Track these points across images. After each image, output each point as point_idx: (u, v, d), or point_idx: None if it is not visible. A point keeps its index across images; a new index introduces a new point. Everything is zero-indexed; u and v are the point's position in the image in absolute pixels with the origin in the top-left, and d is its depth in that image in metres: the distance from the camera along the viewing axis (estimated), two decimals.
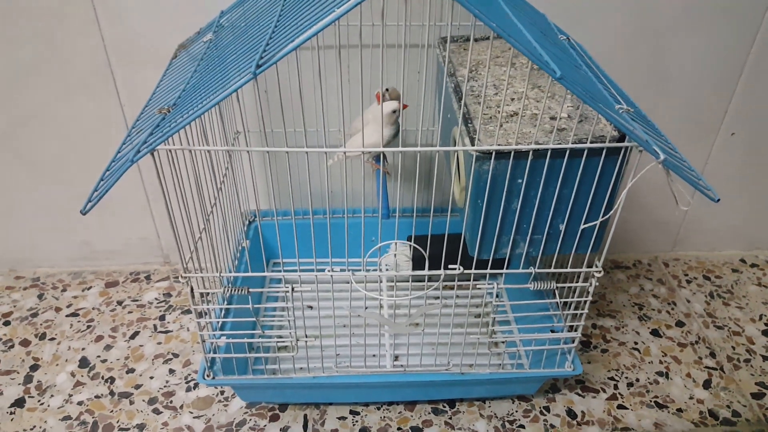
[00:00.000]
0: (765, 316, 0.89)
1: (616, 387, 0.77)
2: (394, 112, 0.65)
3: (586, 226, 0.54)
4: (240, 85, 0.44)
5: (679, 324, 0.87)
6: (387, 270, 0.83)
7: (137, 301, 0.92)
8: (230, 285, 0.60)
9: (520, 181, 0.53)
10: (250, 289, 0.60)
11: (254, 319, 0.61)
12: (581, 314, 0.62)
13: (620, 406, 0.75)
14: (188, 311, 0.90)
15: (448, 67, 0.67)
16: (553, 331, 0.67)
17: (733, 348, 0.83)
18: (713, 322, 0.88)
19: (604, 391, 0.77)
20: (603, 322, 0.87)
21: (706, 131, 0.89)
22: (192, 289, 0.59)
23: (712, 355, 0.82)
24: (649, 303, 0.91)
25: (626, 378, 0.79)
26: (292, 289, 0.59)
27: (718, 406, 0.75)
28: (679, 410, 0.75)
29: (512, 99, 0.60)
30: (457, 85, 0.62)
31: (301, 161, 0.76)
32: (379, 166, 0.68)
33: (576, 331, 0.64)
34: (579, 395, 0.76)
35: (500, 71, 0.66)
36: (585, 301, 0.61)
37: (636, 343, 0.84)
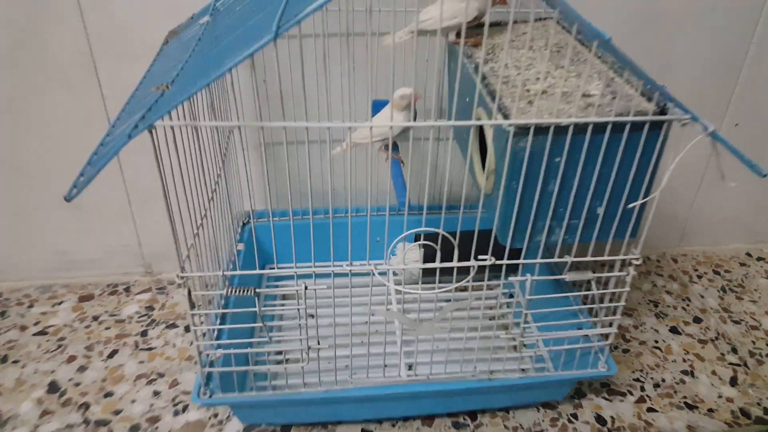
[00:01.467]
0: None
1: (642, 389, 0.73)
2: (402, 98, 0.60)
3: (633, 205, 0.50)
4: (259, 47, 0.38)
5: (697, 320, 0.84)
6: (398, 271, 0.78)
7: (115, 315, 0.83)
8: (232, 286, 0.53)
9: (558, 159, 0.48)
10: (257, 290, 0.53)
11: (261, 324, 0.54)
12: (617, 307, 0.58)
13: (650, 409, 0.70)
14: (173, 325, 0.82)
15: (464, 49, 0.63)
16: (580, 329, 0.62)
17: (754, 343, 0.81)
18: (730, 317, 0.85)
19: (631, 393, 0.72)
20: (620, 320, 0.83)
21: (709, 121, 0.88)
22: (189, 292, 0.52)
23: (734, 350, 0.79)
24: (664, 300, 0.88)
25: (652, 379, 0.75)
26: (305, 287, 0.53)
27: (749, 404, 0.72)
28: (710, 410, 0.71)
29: (537, 78, 0.56)
30: (477, 66, 0.58)
31: (302, 157, 0.70)
32: (393, 155, 0.63)
33: (611, 326, 0.59)
34: (606, 399, 0.72)
35: (518, 54, 0.62)
36: (622, 293, 0.57)
37: (656, 342, 0.80)
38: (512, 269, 0.69)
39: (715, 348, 0.80)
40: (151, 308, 0.85)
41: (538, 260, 0.54)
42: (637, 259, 0.54)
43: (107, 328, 0.81)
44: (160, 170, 0.45)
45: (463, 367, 0.61)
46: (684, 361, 0.77)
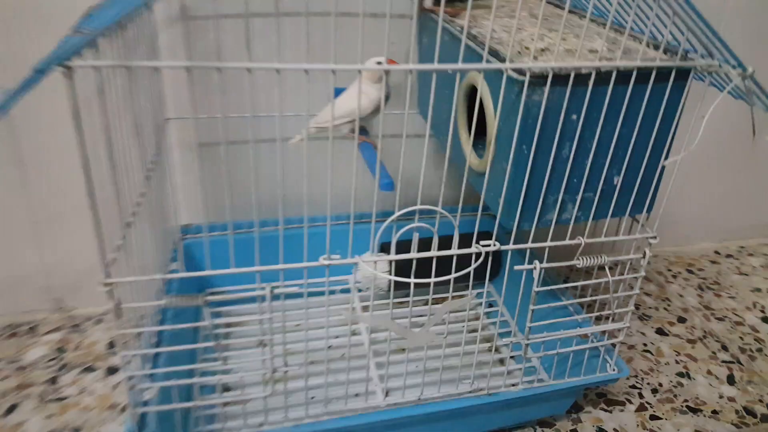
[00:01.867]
0: (758, 303, 0.84)
1: (641, 395, 0.66)
2: (380, 63, 0.52)
3: (667, 162, 0.44)
4: None
5: (681, 320, 0.80)
6: (361, 287, 0.68)
7: (16, 362, 0.66)
8: (172, 294, 0.41)
9: (575, 117, 0.42)
10: (207, 298, 0.41)
11: (214, 344, 0.42)
12: (630, 297, 0.51)
13: (653, 417, 0.64)
14: (91, 369, 0.66)
15: (442, 16, 0.56)
16: (584, 336, 0.55)
17: (742, 338, 0.77)
18: (713, 315, 0.81)
19: (630, 401, 0.66)
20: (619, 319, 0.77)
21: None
22: (118, 304, 0.39)
23: (725, 348, 0.75)
24: (644, 301, 0.83)
25: (648, 384, 0.68)
26: (272, 289, 0.42)
27: (751, 402, 0.67)
28: (715, 412, 0.65)
29: (532, 39, 0.50)
30: (462, 30, 0.51)
31: (252, 157, 0.60)
32: (364, 138, 0.54)
33: (624, 320, 0.52)
34: (605, 410, 0.64)
35: (503, 21, 0.56)
36: (635, 280, 0.50)
37: (645, 345, 0.75)
38: (493, 272, 0.61)
39: (705, 347, 0.75)
40: (62, 350, 0.68)
41: (548, 243, 0.46)
42: (654, 237, 0.48)
43: (4, 379, 0.64)
44: (79, 131, 0.33)
45: (456, 386, 0.51)
46: (677, 362, 0.72)
